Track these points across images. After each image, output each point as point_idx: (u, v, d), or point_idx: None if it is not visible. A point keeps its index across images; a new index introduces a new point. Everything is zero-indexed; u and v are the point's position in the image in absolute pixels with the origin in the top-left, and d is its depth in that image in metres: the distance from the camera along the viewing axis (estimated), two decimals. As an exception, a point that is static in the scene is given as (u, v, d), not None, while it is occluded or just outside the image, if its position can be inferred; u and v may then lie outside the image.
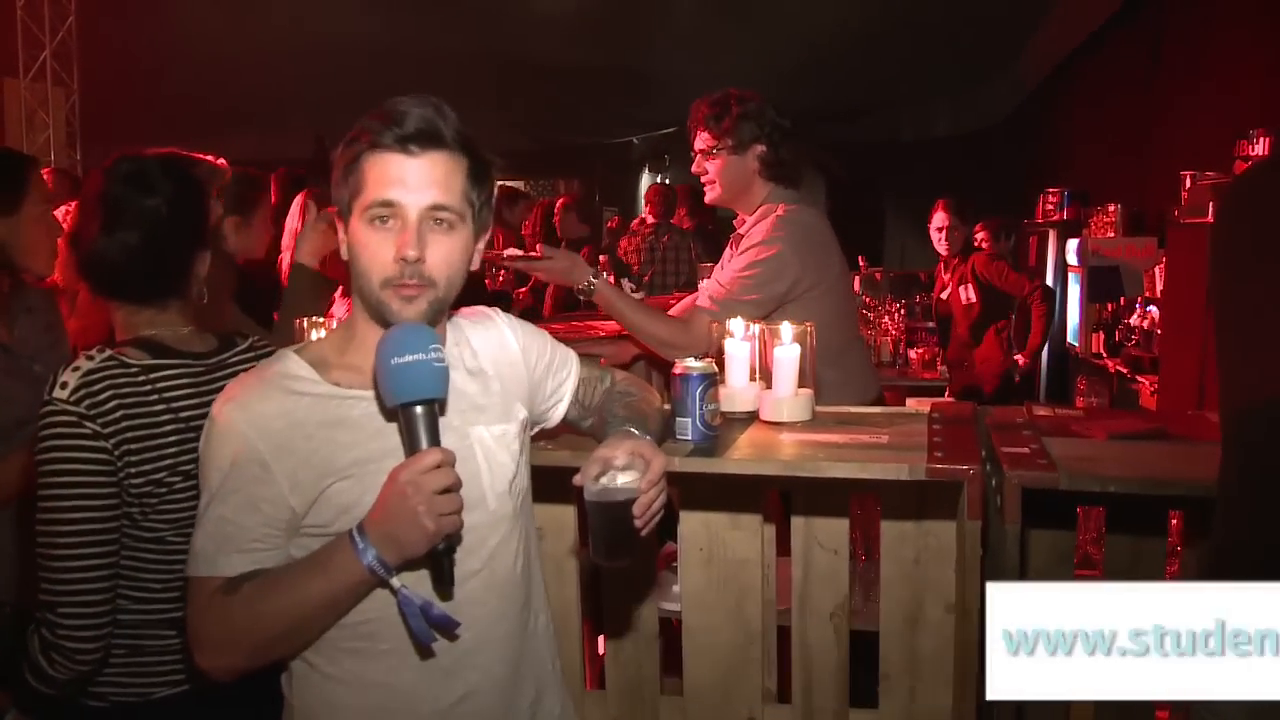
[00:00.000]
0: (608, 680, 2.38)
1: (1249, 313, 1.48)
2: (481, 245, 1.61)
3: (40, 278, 2.42)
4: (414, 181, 1.49)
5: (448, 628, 1.51)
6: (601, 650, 2.45)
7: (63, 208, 2.88)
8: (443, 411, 1.53)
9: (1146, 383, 5.12)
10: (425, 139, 1.49)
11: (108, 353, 1.76)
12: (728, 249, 3.12)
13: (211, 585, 1.48)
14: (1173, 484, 1.79)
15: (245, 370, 1.91)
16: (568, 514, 2.28)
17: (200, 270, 1.92)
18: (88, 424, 1.68)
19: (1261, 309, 1.45)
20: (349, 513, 1.49)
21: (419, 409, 1.44)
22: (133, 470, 1.72)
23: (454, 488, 1.43)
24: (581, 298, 2.89)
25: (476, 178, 1.55)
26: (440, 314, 1.58)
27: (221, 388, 1.85)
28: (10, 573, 2.20)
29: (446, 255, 1.52)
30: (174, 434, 1.77)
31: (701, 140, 3.00)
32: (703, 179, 3.05)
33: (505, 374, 1.72)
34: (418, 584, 1.50)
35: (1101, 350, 5.98)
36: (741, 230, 3.03)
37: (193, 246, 1.90)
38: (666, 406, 2.06)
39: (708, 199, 3.10)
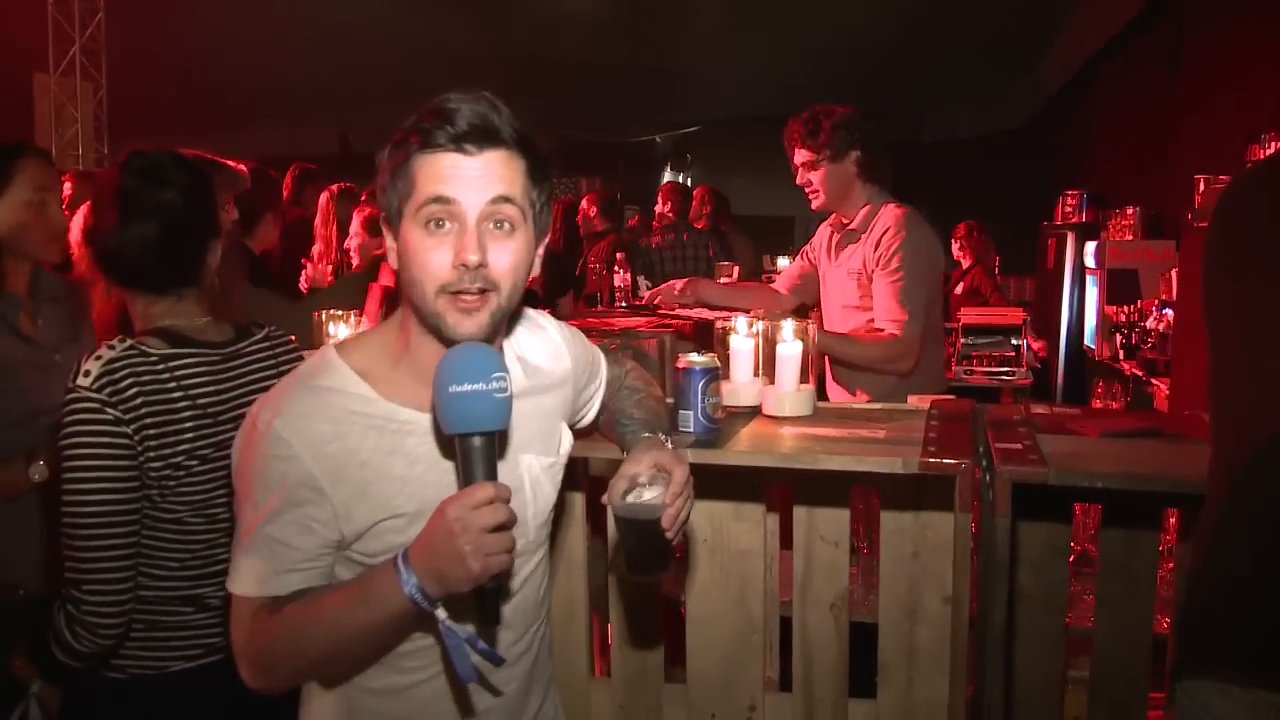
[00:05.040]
0: (614, 668, 2.42)
1: (1245, 322, 1.48)
2: (541, 250, 1.50)
3: (54, 266, 2.45)
4: (471, 179, 1.37)
5: (492, 662, 1.45)
6: (609, 639, 2.50)
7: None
8: (502, 442, 1.45)
9: (1163, 386, 5.11)
10: (481, 136, 1.37)
11: (128, 342, 1.83)
12: (832, 248, 3.40)
13: (257, 604, 1.42)
14: (1160, 480, 1.82)
15: (260, 359, 1.99)
16: (577, 501, 2.32)
17: (213, 260, 1.98)
18: (110, 410, 1.75)
19: (1256, 319, 1.45)
20: (398, 548, 1.38)
21: (476, 440, 1.33)
22: (152, 454, 1.79)
23: (507, 525, 1.31)
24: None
25: (536, 177, 1.43)
26: (500, 326, 1.46)
27: (237, 376, 1.93)
28: (38, 556, 2.26)
29: (511, 259, 1.40)
30: (191, 420, 1.84)
31: (801, 155, 3.26)
32: (808, 190, 3.29)
33: (556, 390, 1.65)
34: (460, 616, 1.43)
35: (1118, 353, 5.96)
36: (854, 226, 3.26)
37: (206, 236, 1.96)
38: (670, 400, 2.10)
39: (814, 206, 3.33)
